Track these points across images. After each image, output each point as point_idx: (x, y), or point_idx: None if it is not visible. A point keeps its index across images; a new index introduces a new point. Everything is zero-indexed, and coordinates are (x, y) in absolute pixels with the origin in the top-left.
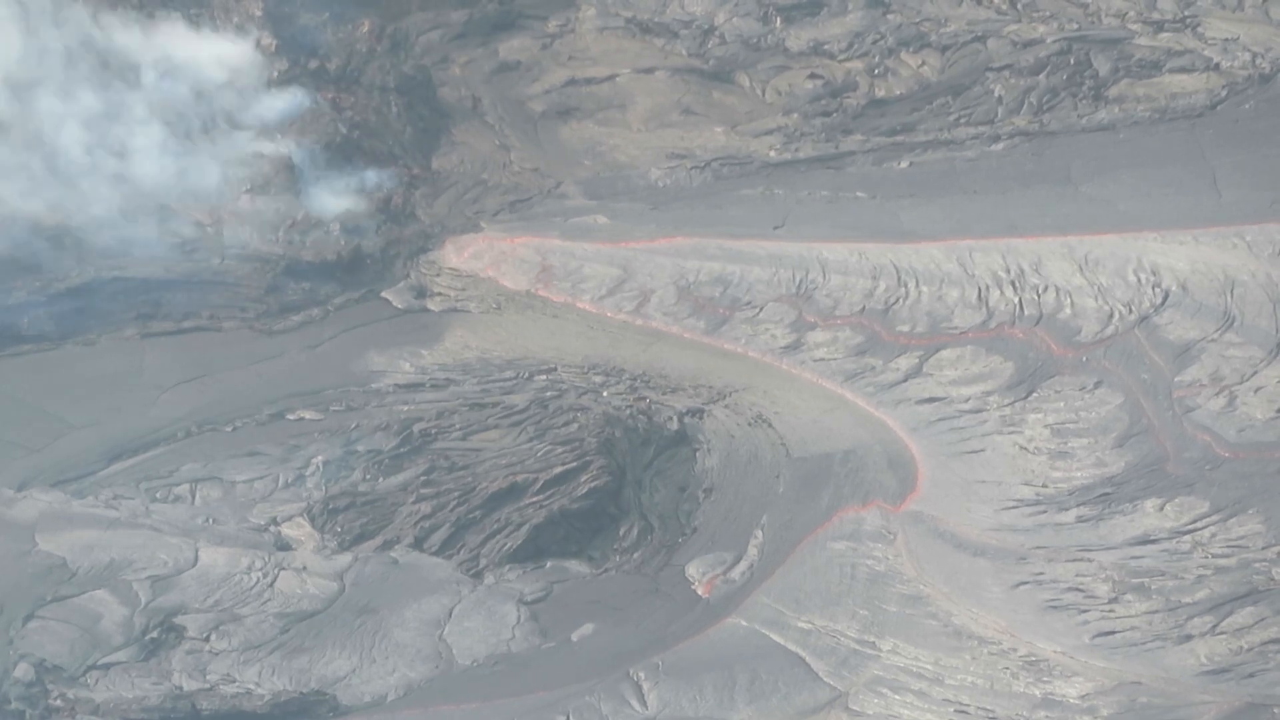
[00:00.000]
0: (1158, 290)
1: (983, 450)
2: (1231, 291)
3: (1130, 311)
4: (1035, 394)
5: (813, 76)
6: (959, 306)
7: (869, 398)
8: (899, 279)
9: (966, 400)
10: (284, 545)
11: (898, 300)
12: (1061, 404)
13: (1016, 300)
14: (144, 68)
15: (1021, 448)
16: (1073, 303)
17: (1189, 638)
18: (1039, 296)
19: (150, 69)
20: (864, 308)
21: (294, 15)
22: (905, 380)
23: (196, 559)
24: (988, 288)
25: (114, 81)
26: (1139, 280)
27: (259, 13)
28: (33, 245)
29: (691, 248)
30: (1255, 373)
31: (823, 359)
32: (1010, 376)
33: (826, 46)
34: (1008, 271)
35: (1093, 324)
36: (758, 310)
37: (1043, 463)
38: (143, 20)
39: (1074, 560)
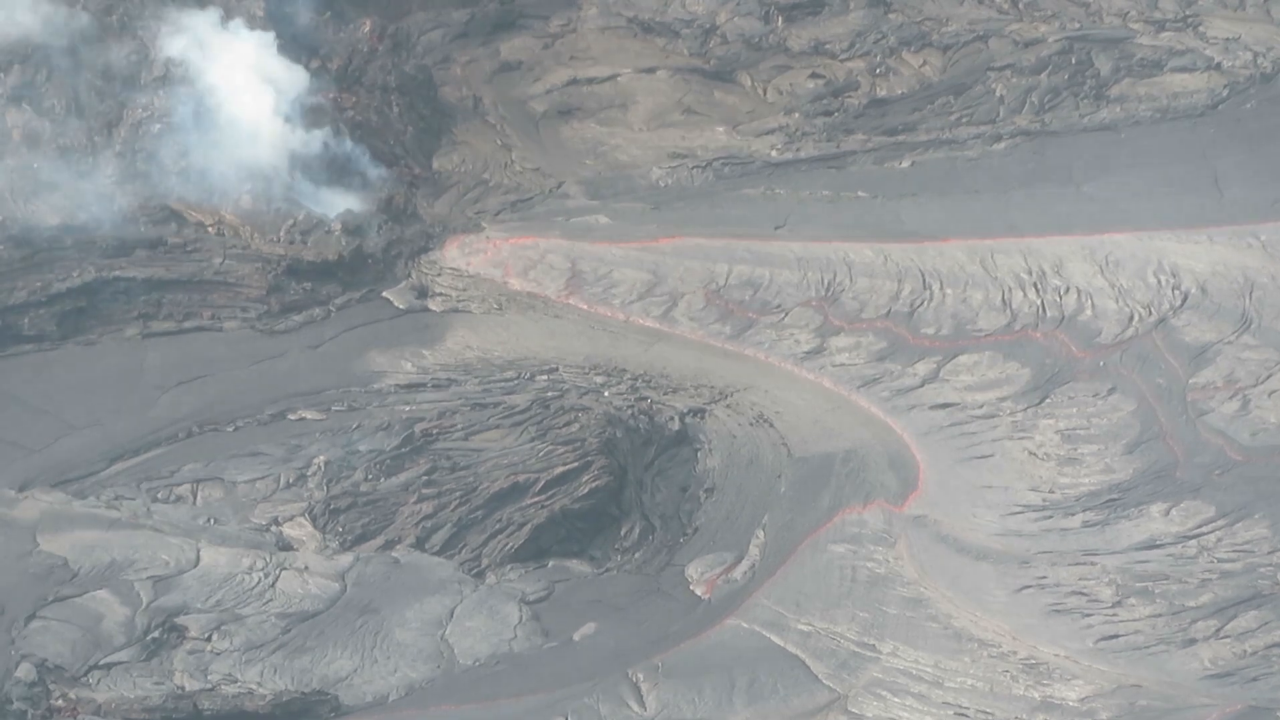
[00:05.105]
0: (1177, 292)
1: (992, 456)
2: (1250, 294)
3: (1150, 313)
4: (1048, 400)
5: (814, 76)
6: (983, 309)
7: (883, 403)
8: (923, 281)
9: (980, 406)
10: (286, 545)
11: (923, 303)
12: (1074, 410)
13: (1039, 302)
14: (143, 67)
15: (1031, 453)
16: (1093, 304)
17: (1193, 642)
18: (1060, 298)
19: (149, 68)
20: (889, 310)
21: (295, 15)
22: (921, 385)
23: (198, 559)
24: (1010, 290)
25: (112, 81)
26: (1159, 282)
27: (260, 12)
28: (33, 245)
29: (720, 249)
30: (1270, 375)
31: (843, 364)
32: (1026, 382)
33: (828, 46)
34: (1030, 273)
35: (1113, 326)
36: (784, 315)
37: (1051, 469)
38: (140, 19)
39: (1078, 564)
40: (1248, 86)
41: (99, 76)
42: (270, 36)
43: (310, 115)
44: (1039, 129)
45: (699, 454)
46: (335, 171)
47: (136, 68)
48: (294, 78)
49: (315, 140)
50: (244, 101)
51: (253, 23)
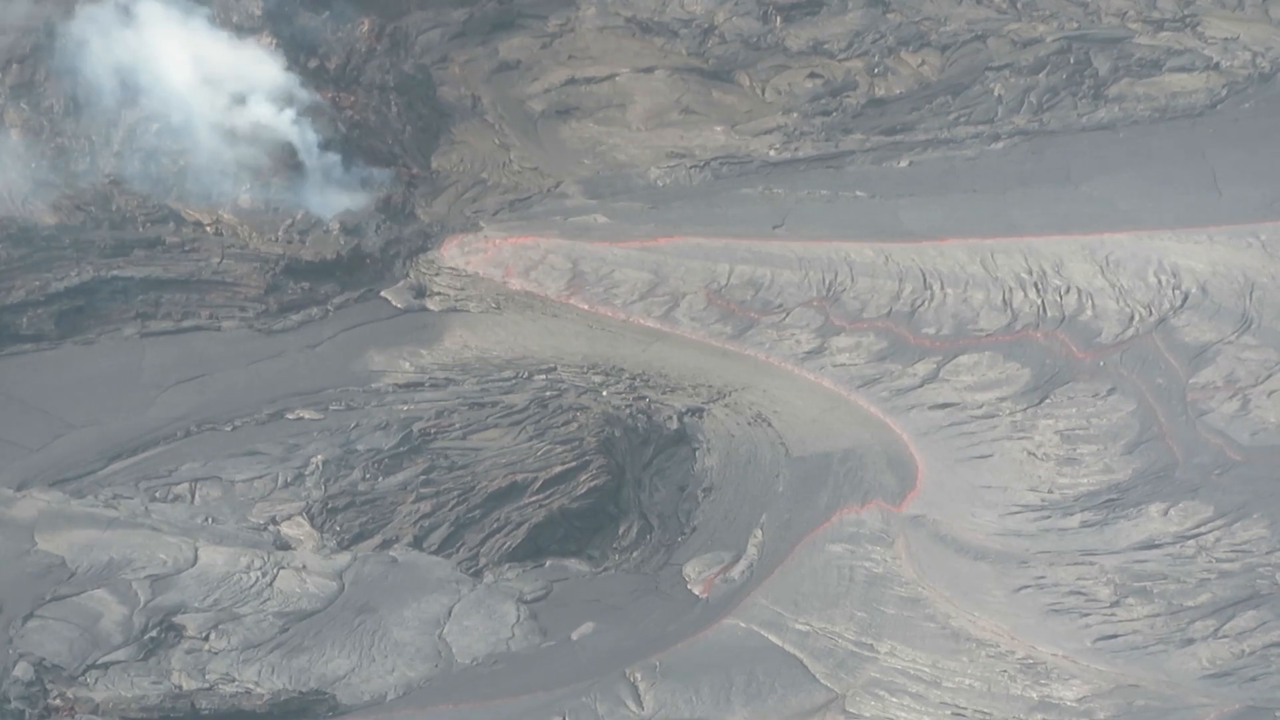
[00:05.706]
0: (1177, 292)
1: (991, 456)
2: (1250, 294)
3: (1150, 313)
4: (1048, 400)
5: (812, 76)
6: (984, 309)
7: (882, 403)
8: (924, 281)
9: (980, 406)
10: (283, 544)
11: (924, 303)
12: (1074, 410)
13: (1040, 302)
14: (140, 66)
15: (1030, 453)
16: (1094, 304)
17: (1191, 641)
18: (1061, 298)
19: (147, 68)
20: (890, 310)
21: (294, 14)
22: (921, 385)
23: (196, 558)
24: (1011, 290)
25: (111, 81)
26: (1160, 282)
27: (259, 12)
28: (31, 244)
29: (721, 249)
30: (1270, 375)
31: (843, 364)
32: (1026, 383)
33: (826, 45)
34: (1030, 273)
35: (1113, 326)
36: (785, 315)
37: (1050, 469)
38: (140, 19)
39: (1076, 564)
40: (1246, 86)
41: (97, 75)
42: (269, 35)
43: (309, 115)
44: (1037, 129)
45: (697, 453)
46: (333, 171)
47: (134, 67)
48: (292, 77)
49: (313, 140)
50: (242, 101)
51: (251, 22)
